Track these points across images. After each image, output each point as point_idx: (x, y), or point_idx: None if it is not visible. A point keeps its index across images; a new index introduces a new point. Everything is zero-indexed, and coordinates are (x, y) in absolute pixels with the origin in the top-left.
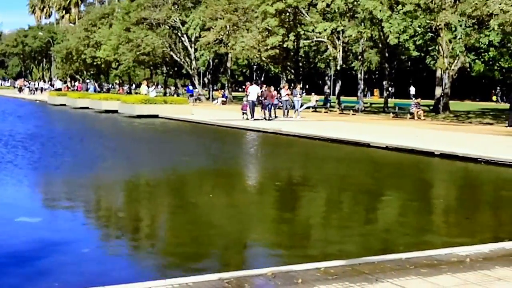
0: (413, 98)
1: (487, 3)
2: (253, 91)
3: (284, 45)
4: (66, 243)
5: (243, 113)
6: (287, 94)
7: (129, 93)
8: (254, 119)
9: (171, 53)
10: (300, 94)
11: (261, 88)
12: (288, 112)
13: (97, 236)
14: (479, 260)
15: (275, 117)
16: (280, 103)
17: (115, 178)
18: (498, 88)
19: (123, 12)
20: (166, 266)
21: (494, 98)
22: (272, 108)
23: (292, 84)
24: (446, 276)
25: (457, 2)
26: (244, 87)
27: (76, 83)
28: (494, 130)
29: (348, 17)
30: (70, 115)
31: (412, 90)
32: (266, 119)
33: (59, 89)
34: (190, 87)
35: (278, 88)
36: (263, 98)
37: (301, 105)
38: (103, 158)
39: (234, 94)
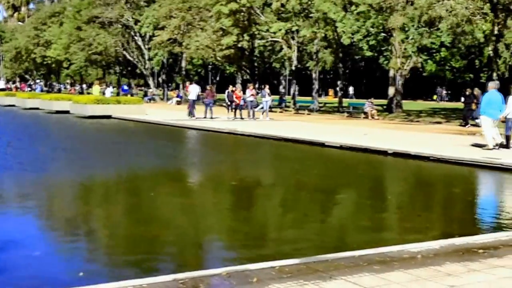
0: (353, 98)
1: (433, 7)
2: (193, 90)
3: (239, 45)
4: (14, 246)
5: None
6: (252, 95)
7: (81, 93)
8: (196, 118)
9: (124, 52)
10: (268, 94)
11: (228, 88)
12: (254, 113)
13: (46, 238)
14: (430, 256)
15: (241, 118)
16: (245, 104)
17: (64, 180)
18: (438, 87)
19: (74, 10)
20: (119, 268)
21: (434, 97)
22: (238, 108)
23: (263, 85)
24: (398, 272)
25: (408, 3)
26: (207, 87)
27: (31, 83)
28: (445, 129)
29: (302, 17)
30: (19, 116)
31: (351, 89)
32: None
33: (3, 89)
34: (125, 87)
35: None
36: (229, 98)
37: (256, 105)
38: (52, 160)
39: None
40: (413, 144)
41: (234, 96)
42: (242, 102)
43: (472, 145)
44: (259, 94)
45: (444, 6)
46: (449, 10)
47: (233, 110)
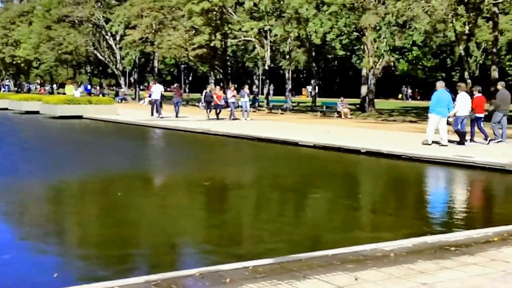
0: (311, 97)
1: (410, 6)
2: (157, 90)
3: (212, 44)
4: None
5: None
6: (234, 96)
7: (51, 93)
8: (161, 117)
9: (95, 52)
10: (248, 95)
11: (207, 88)
12: (234, 113)
13: (15, 242)
14: (402, 255)
15: (217, 118)
16: (226, 104)
17: (32, 181)
18: (404, 86)
19: (43, 9)
20: (90, 270)
21: (400, 96)
22: (218, 109)
23: (243, 85)
24: (371, 271)
25: (379, 3)
26: (172, 87)
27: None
28: (417, 127)
29: (275, 16)
30: None
31: (309, 88)
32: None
33: None
34: (88, 86)
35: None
36: (206, 98)
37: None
38: (20, 161)
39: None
40: (386, 143)
41: (214, 96)
42: (222, 102)
43: (423, 143)
44: (238, 94)
45: (422, 7)
46: (428, 10)
47: (212, 110)
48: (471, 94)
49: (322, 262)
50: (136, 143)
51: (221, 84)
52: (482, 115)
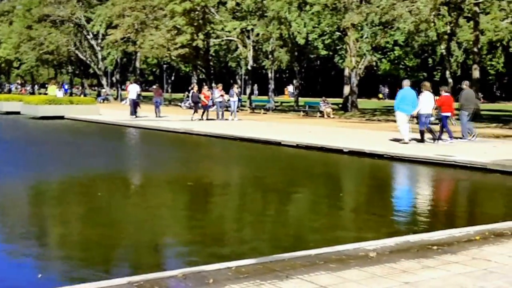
0: (290, 95)
1: (394, 6)
2: (133, 90)
3: (194, 44)
4: None
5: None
6: (221, 95)
7: (32, 93)
8: (136, 117)
9: (77, 51)
10: (237, 94)
11: (200, 87)
12: (222, 114)
13: None
14: (385, 254)
15: (201, 119)
16: (213, 104)
17: (14, 182)
18: (381, 85)
19: (24, 9)
20: (71, 271)
21: (380, 95)
22: (205, 109)
23: (232, 85)
24: (354, 270)
25: (363, 2)
26: (154, 86)
27: None
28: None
29: (257, 16)
30: None
31: (290, 88)
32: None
33: None
34: (66, 86)
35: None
36: (193, 98)
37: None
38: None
39: (144, 94)
40: (368, 142)
41: (202, 96)
42: (210, 103)
43: (391, 140)
44: (228, 94)
45: (407, 6)
46: (413, 10)
47: (199, 110)
48: (453, 92)
49: (305, 262)
50: (118, 143)
51: (204, 84)
52: (449, 114)
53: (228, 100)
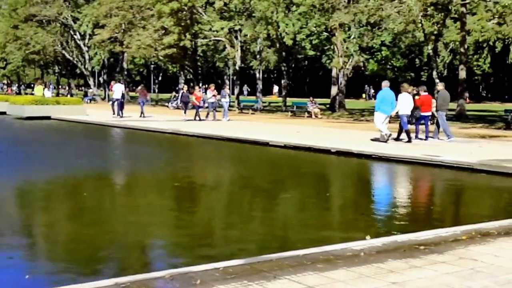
0: (276, 95)
1: (382, 7)
2: (117, 90)
3: (181, 44)
4: None
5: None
6: (214, 95)
7: (19, 93)
8: (120, 116)
9: (63, 51)
10: (229, 95)
11: (192, 87)
12: (215, 115)
13: None
14: (372, 254)
15: (194, 119)
16: (205, 105)
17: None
18: (366, 86)
19: (10, 8)
20: (58, 273)
21: (364, 96)
22: (196, 109)
23: (223, 85)
24: (342, 270)
25: (351, 2)
26: (139, 87)
27: None
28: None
29: (245, 16)
30: None
31: (275, 88)
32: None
33: None
34: (51, 86)
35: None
36: (183, 98)
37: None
38: None
39: (131, 94)
40: (356, 143)
41: (193, 97)
42: (201, 103)
43: (372, 140)
44: (219, 94)
45: (395, 7)
46: (400, 11)
47: (188, 111)
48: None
49: (292, 262)
50: (105, 143)
51: (191, 83)
52: (428, 114)
53: (219, 100)
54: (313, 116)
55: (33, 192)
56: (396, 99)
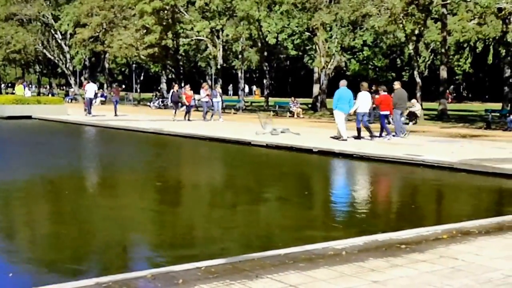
0: (254, 94)
1: (363, 4)
2: (90, 89)
3: (163, 43)
4: None
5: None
6: (207, 95)
7: None
8: (92, 115)
9: (44, 51)
10: (220, 95)
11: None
12: (206, 114)
13: None
14: (354, 253)
15: (189, 119)
16: (196, 105)
17: None
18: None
19: None
20: (38, 272)
21: None
22: (187, 109)
23: (215, 85)
24: (323, 269)
25: (332, 2)
26: (113, 86)
27: None
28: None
29: (227, 16)
30: None
31: (254, 88)
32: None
33: None
34: (32, 86)
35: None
36: (173, 98)
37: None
38: None
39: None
40: (338, 142)
41: (183, 97)
42: (192, 103)
43: (331, 137)
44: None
45: (376, 5)
46: (382, 8)
47: (178, 110)
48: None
49: (274, 261)
50: (85, 143)
51: (173, 83)
52: (387, 113)
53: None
54: (295, 116)
55: (12, 191)
56: (355, 98)
